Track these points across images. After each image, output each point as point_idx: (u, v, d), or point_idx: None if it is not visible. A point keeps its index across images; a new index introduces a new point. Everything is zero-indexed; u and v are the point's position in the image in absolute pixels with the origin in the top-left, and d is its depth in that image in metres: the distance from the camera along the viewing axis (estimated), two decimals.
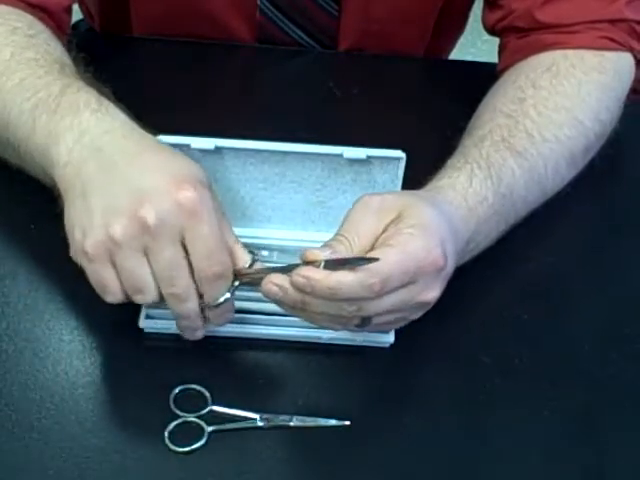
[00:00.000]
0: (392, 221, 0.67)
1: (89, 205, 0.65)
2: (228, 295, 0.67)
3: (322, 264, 0.63)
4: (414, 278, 0.65)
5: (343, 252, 0.65)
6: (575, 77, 0.84)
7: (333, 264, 0.63)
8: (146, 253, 0.64)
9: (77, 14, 1.11)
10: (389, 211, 0.67)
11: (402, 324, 0.69)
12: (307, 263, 0.64)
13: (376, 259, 0.63)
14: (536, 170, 0.79)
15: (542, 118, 0.81)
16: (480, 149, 0.78)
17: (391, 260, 0.64)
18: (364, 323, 0.66)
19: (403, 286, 0.65)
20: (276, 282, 0.64)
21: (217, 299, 0.66)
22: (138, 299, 0.66)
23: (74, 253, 0.67)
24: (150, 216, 0.63)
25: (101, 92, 0.74)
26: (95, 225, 0.65)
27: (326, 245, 0.66)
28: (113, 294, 0.66)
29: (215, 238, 0.64)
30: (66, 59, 0.80)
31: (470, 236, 0.73)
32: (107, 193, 0.65)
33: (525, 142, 0.79)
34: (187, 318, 0.67)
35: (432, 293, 0.67)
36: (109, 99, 0.73)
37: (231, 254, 0.66)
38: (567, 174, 0.83)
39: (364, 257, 0.64)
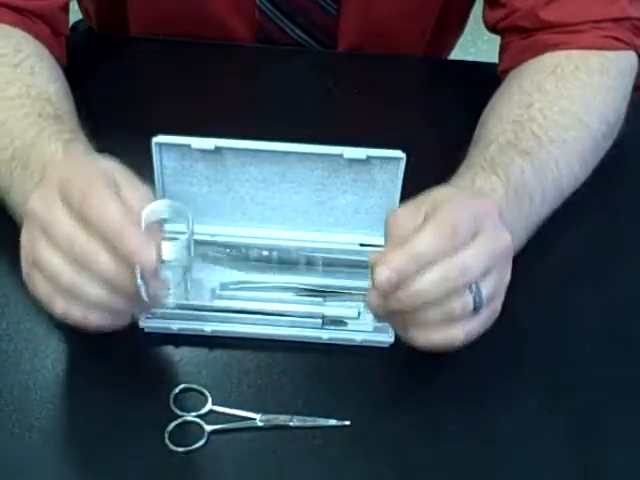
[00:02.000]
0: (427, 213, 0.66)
1: None
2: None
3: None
4: (479, 224, 0.65)
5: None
6: (579, 79, 0.84)
7: None
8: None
9: (77, 14, 1.11)
10: (423, 203, 0.66)
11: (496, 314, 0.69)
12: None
13: None
14: (548, 168, 0.78)
15: (548, 121, 0.80)
16: (485, 154, 0.77)
17: (449, 209, 0.64)
18: (476, 305, 0.65)
19: (474, 238, 0.64)
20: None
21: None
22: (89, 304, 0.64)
23: None
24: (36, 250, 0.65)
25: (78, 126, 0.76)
26: None
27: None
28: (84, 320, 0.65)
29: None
30: (51, 88, 0.79)
31: None
32: None
33: (532, 143, 0.78)
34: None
35: (508, 274, 0.68)
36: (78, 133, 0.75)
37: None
38: (580, 174, 0.82)
39: None
